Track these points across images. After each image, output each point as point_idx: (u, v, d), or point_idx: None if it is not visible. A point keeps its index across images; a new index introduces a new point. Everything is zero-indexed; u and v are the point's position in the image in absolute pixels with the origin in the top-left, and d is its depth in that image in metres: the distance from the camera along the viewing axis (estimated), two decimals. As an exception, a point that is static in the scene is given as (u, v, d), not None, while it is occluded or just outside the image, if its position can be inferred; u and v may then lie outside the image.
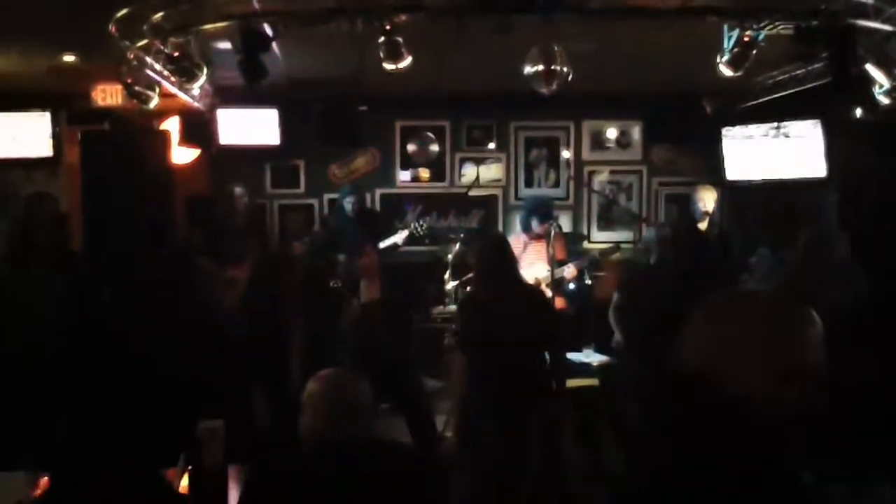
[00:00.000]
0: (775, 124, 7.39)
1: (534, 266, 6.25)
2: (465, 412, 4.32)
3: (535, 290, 4.71)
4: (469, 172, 8.63)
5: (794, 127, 7.29)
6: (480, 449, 4.14)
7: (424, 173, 8.68)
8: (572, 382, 4.84)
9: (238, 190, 7.13)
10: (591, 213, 8.74)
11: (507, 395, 4.09)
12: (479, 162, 8.66)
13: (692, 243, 4.62)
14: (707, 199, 6.80)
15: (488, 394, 4.12)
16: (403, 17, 4.82)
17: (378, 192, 8.63)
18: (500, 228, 8.55)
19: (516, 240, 6.22)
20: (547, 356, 4.32)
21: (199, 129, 7.65)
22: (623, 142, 8.66)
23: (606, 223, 8.63)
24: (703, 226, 6.69)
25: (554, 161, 8.72)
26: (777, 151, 7.37)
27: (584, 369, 5.52)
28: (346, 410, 2.55)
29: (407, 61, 5.07)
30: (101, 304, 5.19)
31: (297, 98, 7.33)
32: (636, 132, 8.67)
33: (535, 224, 6.38)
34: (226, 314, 4.66)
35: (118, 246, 5.95)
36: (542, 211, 6.36)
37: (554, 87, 5.11)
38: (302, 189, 8.59)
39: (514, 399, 4.08)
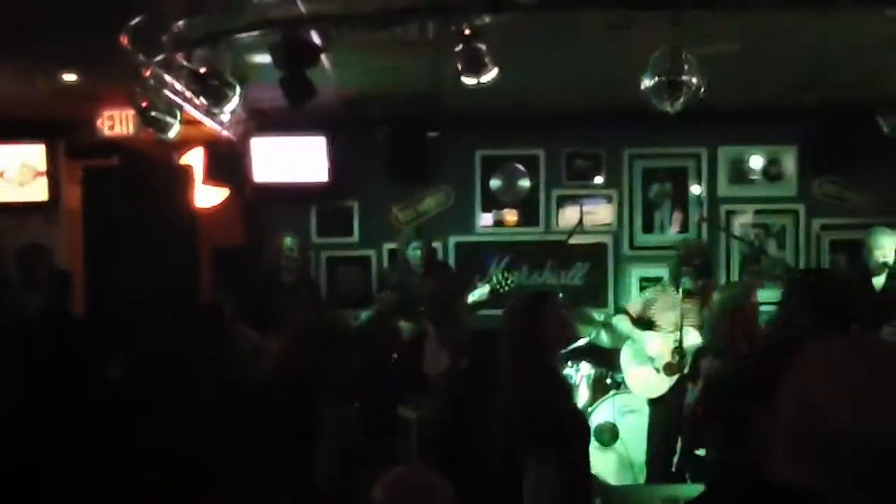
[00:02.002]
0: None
1: (688, 334, 6.43)
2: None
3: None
4: (570, 215, 8.65)
5: None
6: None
7: (512, 216, 8.73)
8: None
9: (289, 240, 7.30)
10: (730, 264, 8.72)
11: None
12: (582, 201, 8.71)
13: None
14: (887, 247, 6.76)
15: None
16: (488, 19, 4.82)
17: (452, 240, 8.70)
18: (611, 285, 8.65)
19: (662, 298, 6.49)
20: None
21: (229, 163, 7.90)
22: (772, 173, 8.69)
23: (752, 279, 8.17)
24: (879, 280, 6.66)
25: (681, 198, 8.72)
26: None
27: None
28: None
29: (492, 74, 5.09)
30: (105, 385, 5.22)
31: (352, 123, 7.56)
32: (790, 160, 8.67)
33: (687, 279, 6.59)
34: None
35: (129, 310, 5.99)
36: (700, 260, 6.55)
37: (681, 104, 5.02)
38: (356, 237, 8.72)
39: None
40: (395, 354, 6.90)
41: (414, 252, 7.44)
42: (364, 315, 7.28)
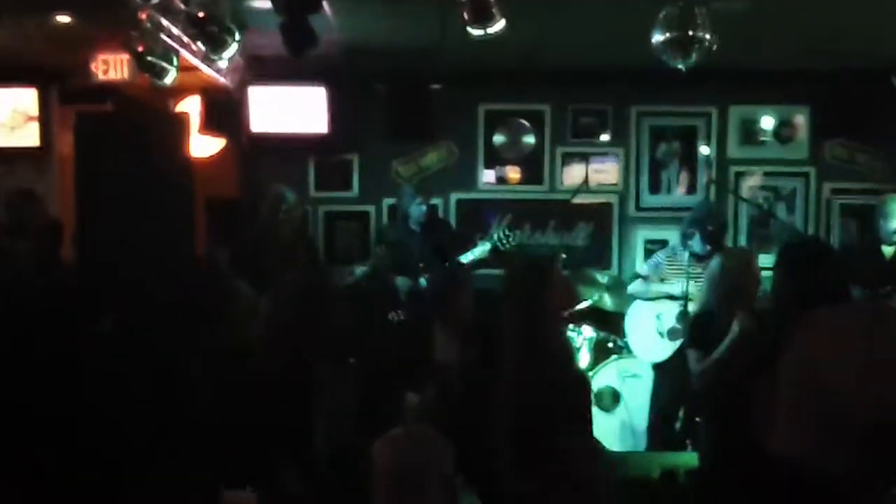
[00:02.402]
0: None
1: (694, 299, 6.36)
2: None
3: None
4: (575, 173, 8.57)
5: None
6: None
7: (515, 174, 8.64)
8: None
9: (289, 195, 7.18)
10: (738, 229, 8.63)
11: None
12: (588, 159, 8.60)
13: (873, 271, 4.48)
14: (900, 213, 6.56)
15: None
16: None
17: (453, 196, 8.60)
18: (616, 247, 8.54)
19: (669, 262, 6.63)
20: None
21: (226, 112, 7.78)
22: (784, 135, 8.59)
23: (759, 243, 8.42)
24: (889, 249, 6.60)
25: (689, 159, 8.62)
26: None
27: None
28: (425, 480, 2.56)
29: (498, 26, 5.03)
30: (97, 335, 5.19)
31: (353, 74, 7.45)
32: (801, 121, 8.56)
33: (697, 242, 6.60)
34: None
35: (122, 261, 5.84)
36: (714, 227, 6.60)
37: (692, 60, 4.96)
38: (355, 192, 8.62)
39: None
40: (397, 313, 6.88)
41: (418, 208, 7.34)
42: (359, 270, 7.22)
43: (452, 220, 8.44)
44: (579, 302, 7.10)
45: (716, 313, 4.88)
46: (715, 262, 5.05)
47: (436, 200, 8.23)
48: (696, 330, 5.01)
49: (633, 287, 7.24)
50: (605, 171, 8.65)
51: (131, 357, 4.49)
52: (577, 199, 8.06)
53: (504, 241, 7.30)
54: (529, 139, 8.61)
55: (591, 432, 4.29)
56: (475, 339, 5.14)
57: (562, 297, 4.31)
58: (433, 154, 8.61)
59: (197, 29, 5.31)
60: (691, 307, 6.45)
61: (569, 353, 4.84)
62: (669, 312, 6.88)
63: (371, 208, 8.61)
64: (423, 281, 7.01)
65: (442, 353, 5.68)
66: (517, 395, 3.97)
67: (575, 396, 4.19)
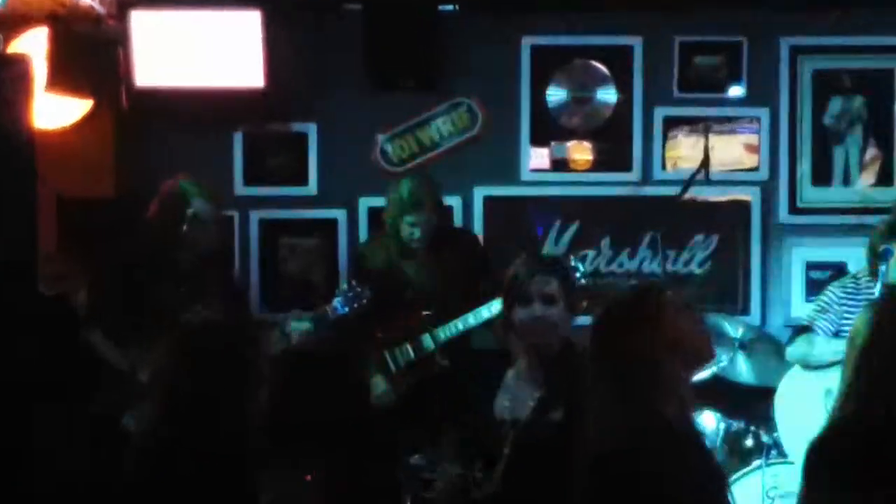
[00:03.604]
0: None
1: None
2: None
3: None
4: (686, 151, 7.05)
5: None
6: None
7: (582, 153, 7.10)
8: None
9: (196, 192, 6.06)
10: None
11: None
12: (708, 128, 6.94)
13: None
14: None
15: None
16: None
17: (479, 192, 7.07)
18: (756, 275, 6.97)
19: (848, 298, 5.98)
20: None
21: (91, 55, 6.73)
22: None
23: None
24: None
25: (880, 126, 7.06)
26: None
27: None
28: None
29: None
30: None
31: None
32: None
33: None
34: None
35: None
36: None
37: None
38: (311, 187, 7.09)
39: None
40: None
41: (412, 219, 6.19)
42: (302, 325, 6.13)
43: (478, 230, 6.98)
44: (713, 359, 5.74)
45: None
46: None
47: (450, 199, 6.78)
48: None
49: (794, 349, 6.03)
50: (738, 149, 7.10)
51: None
52: (691, 196, 6.60)
53: (575, 272, 6.06)
54: (607, 95, 7.07)
55: None
56: (560, 393, 4.51)
57: (694, 346, 3.48)
58: (442, 122, 7.08)
59: None
60: None
61: (699, 437, 3.99)
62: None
63: (339, 214, 7.04)
64: (440, 335, 6.24)
65: (506, 408, 4.84)
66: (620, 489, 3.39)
67: (711, 500, 3.50)
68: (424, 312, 6.25)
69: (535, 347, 4.59)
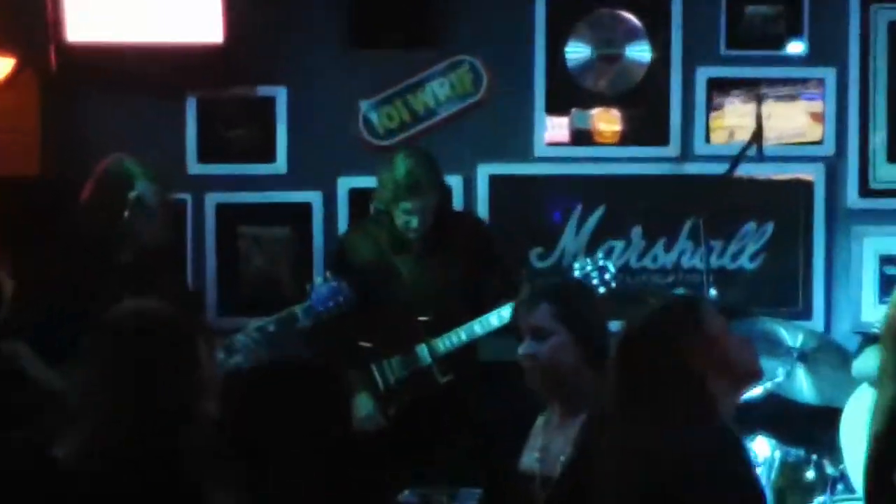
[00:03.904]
0: None
1: None
2: None
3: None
4: (735, 120, 6.70)
5: None
6: None
7: (610, 121, 6.72)
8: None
9: (140, 171, 5.79)
10: None
11: None
12: (761, 93, 6.65)
13: None
14: None
15: None
16: None
17: (483, 171, 6.64)
18: (819, 272, 6.62)
19: None
20: None
21: (13, 5, 6.48)
22: None
23: None
24: None
25: None
26: None
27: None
28: None
29: None
30: None
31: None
32: None
33: None
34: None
35: None
36: None
37: None
38: (280, 164, 6.64)
39: None
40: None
41: (410, 206, 5.93)
42: (252, 335, 5.79)
43: (484, 215, 6.59)
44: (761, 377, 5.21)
45: None
46: None
47: (450, 179, 6.28)
48: None
49: (864, 362, 5.45)
50: (798, 117, 6.74)
51: None
52: (740, 175, 6.29)
53: (593, 270, 5.90)
54: (640, 53, 6.65)
55: None
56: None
57: (737, 355, 3.42)
58: (440, 84, 6.73)
59: None
60: None
61: (751, 468, 3.73)
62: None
63: (314, 196, 6.65)
64: (440, 347, 6.03)
65: (532, 458, 4.53)
66: None
67: None
68: (420, 318, 5.82)
69: (549, 395, 4.32)
